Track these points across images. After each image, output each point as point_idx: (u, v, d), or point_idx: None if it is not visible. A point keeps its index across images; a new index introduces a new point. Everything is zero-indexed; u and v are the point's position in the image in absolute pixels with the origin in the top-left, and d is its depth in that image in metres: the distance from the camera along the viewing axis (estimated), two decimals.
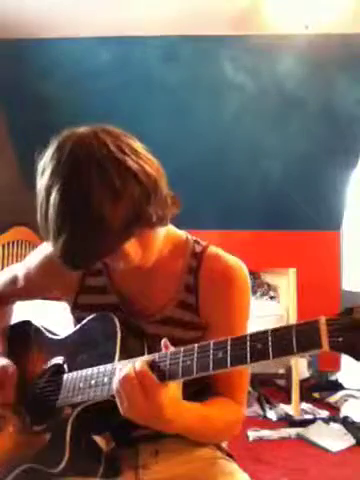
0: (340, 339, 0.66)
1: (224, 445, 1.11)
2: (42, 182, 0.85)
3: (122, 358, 0.89)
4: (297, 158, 3.51)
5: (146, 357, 0.82)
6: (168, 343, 0.82)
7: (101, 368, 0.90)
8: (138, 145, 0.88)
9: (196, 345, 0.79)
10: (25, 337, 1.15)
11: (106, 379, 0.88)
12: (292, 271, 3.28)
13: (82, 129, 0.87)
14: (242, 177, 3.55)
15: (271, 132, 3.40)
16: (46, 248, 1.10)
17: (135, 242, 0.87)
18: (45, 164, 0.86)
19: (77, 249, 0.83)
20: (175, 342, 1.00)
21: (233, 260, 1.03)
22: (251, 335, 0.74)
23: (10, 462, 1.00)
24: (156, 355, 0.82)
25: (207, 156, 3.42)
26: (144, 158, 0.86)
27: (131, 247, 0.87)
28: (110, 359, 0.90)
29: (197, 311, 1.01)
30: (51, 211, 0.83)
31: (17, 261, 3.38)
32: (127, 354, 0.89)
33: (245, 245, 3.24)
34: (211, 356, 0.76)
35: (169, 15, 2.86)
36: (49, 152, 0.86)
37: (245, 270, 1.03)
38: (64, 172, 0.82)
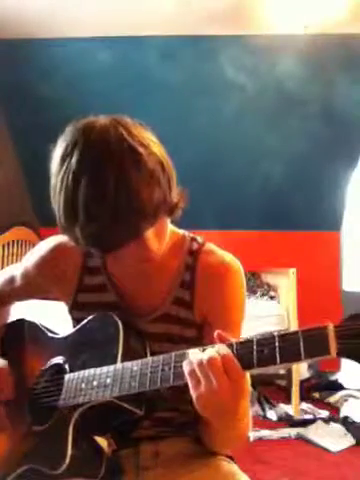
0: (348, 346, 0.66)
1: None
2: (67, 168, 0.84)
3: (124, 359, 0.88)
4: (297, 158, 3.51)
5: (221, 344, 0.78)
6: (223, 334, 0.79)
7: (104, 369, 0.89)
8: (153, 136, 0.91)
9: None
10: (23, 336, 1.14)
11: (109, 380, 0.87)
12: (292, 271, 3.28)
13: (101, 118, 0.87)
14: (242, 177, 3.55)
15: (271, 132, 3.40)
16: (44, 247, 1.10)
17: (153, 230, 0.88)
18: (66, 150, 0.85)
19: (109, 233, 0.83)
20: (175, 340, 1.00)
21: (228, 256, 1.04)
22: (257, 340, 0.74)
23: (10, 463, 1.00)
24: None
25: (207, 156, 3.42)
26: (162, 149, 0.90)
27: (150, 235, 0.88)
28: (112, 360, 0.89)
29: (192, 308, 1.01)
30: (82, 196, 0.81)
31: (17, 261, 3.38)
32: (129, 355, 0.89)
33: (245, 245, 3.24)
34: None
35: (169, 15, 2.86)
36: (69, 138, 0.86)
37: (240, 265, 1.04)
38: (96, 156, 0.82)
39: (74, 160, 0.83)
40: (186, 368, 0.77)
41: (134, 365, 0.85)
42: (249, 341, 0.76)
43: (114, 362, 0.89)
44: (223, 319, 0.99)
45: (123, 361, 0.88)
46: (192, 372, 0.76)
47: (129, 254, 0.91)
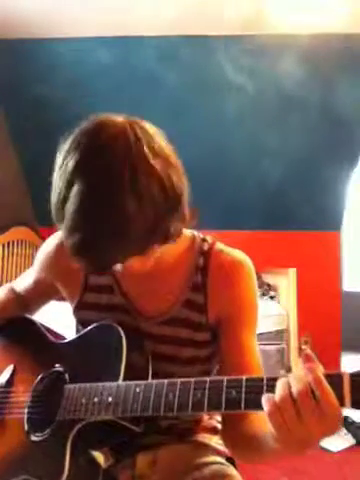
0: None
1: (224, 448, 1.08)
2: (66, 165, 0.81)
3: (126, 377, 0.87)
4: (297, 158, 3.50)
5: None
6: (311, 355, 0.69)
7: (106, 385, 0.87)
8: (170, 149, 0.86)
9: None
10: (24, 334, 1.12)
11: (110, 399, 0.85)
12: (292, 271, 3.28)
13: (117, 119, 0.83)
14: (242, 177, 3.55)
15: (271, 132, 3.39)
16: (49, 243, 1.08)
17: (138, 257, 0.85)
18: (69, 148, 0.82)
19: (94, 246, 0.79)
20: (183, 343, 0.98)
21: (239, 254, 1.03)
22: (267, 379, 0.71)
23: (6, 471, 0.96)
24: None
25: (207, 156, 3.41)
26: (174, 166, 0.85)
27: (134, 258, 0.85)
28: (114, 377, 0.87)
29: (205, 311, 0.98)
30: (71, 203, 0.78)
31: (17, 261, 3.39)
32: (131, 373, 0.88)
33: (245, 245, 3.22)
34: (224, 394, 0.73)
35: (169, 15, 2.86)
36: (76, 137, 0.82)
37: (250, 262, 1.02)
38: (91, 168, 0.79)
39: (72, 161, 0.80)
40: (268, 405, 0.67)
41: (137, 386, 0.82)
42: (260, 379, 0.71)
43: (116, 379, 0.87)
44: (239, 316, 0.98)
45: (125, 378, 0.86)
46: (274, 411, 0.67)
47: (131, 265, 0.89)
